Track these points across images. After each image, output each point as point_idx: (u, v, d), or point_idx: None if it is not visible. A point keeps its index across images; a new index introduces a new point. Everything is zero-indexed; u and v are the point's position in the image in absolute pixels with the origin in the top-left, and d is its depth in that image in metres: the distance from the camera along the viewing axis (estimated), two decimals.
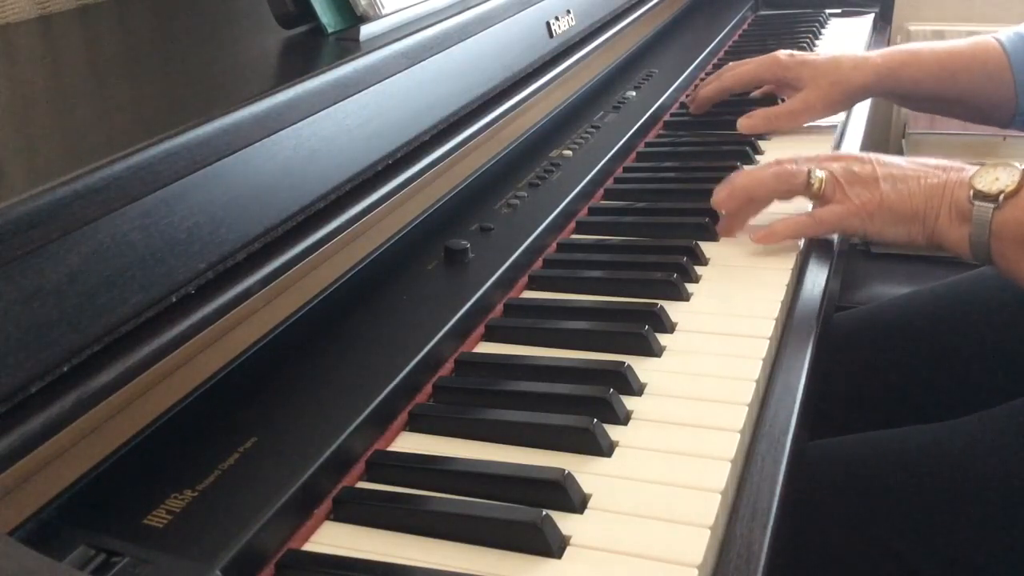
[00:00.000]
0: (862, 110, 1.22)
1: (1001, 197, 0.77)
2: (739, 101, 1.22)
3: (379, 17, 0.83)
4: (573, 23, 1.15)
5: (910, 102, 1.17)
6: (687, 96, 1.25)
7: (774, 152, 1.10)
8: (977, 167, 0.80)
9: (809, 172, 0.84)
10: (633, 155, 1.10)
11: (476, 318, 0.74)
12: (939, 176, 0.82)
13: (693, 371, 0.69)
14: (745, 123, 1.12)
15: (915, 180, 0.82)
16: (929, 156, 0.85)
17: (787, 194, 0.87)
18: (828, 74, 1.09)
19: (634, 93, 1.23)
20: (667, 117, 1.22)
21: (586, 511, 0.55)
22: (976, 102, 1.08)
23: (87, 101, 0.75)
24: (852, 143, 1.15)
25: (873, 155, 0.86)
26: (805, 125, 1.14)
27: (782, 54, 1.14)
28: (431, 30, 0.85)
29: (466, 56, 0.91)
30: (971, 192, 0.78)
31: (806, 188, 0.85)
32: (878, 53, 1.11)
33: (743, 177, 0.88)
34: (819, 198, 0.85)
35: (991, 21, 2.16)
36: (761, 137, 1.13)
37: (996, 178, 0.78)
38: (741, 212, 0.89)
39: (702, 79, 1.37)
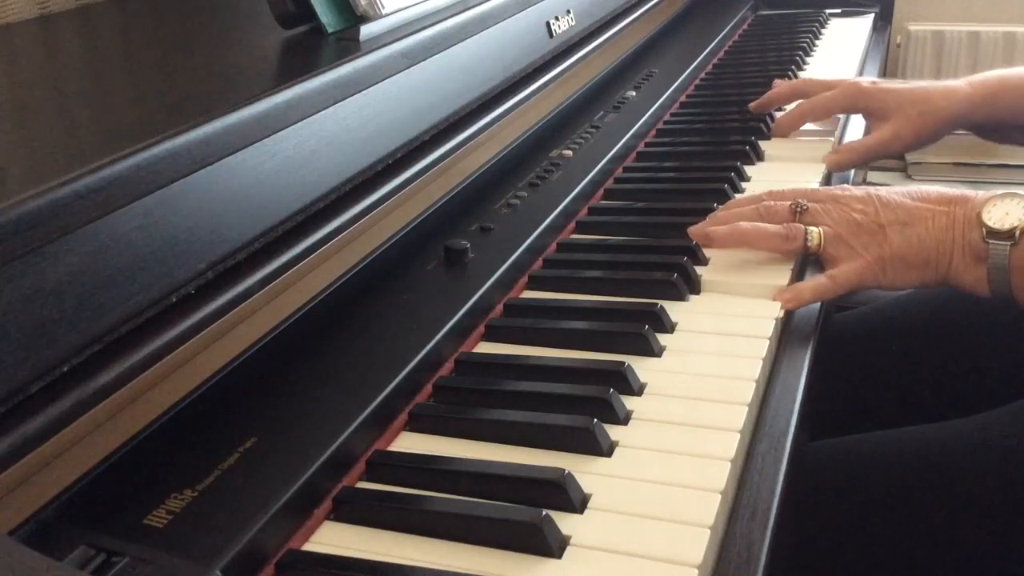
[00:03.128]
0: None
1: (1017, 233, 0.75)
2: (738, 101, 1.23)
3: (379, 17, 0.83)
4: (573, 23, 1.15)
5: (1005, 133, 1.09)
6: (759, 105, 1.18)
7: (774, 151, 1.10)
8: (983, 198, 0.78)
9: (806, 233, 0.81)
10: (633, 155, 1.10)
11: (476, 318, 0.74)
12: (946, 215, 0.79)
13: (693, 371, 0.69)
14: (833, 159, 1.06)
15: (923, 224, 0.79)
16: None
17: (785, 255, 0.83)
18: (917, 103, 1.04)
19: (634, 93, 1.23)
20: (667, 117, 1.22)
21: (586, 511, 0.55)
22: None
23: (87, 101, 0.75)
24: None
25: (872, 193, 0.83)
26: (808, 138, 1.13)
27: (864, 81, 1.09)
28: (431, 30, 0.85)
29: (466, 56, 0.91)
30: (983, 231, 0.76)
31: (804, 250, 0.82)
32: (966, 81, 1.05)
33: (749, 225, 0.84)
34: (819, 255, 0.82)
35: (991, 21, 2.16)
36: (763, 137, 1.13)
37: (1007, 212, 0.75)
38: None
39: (702, 79, 1.37)
